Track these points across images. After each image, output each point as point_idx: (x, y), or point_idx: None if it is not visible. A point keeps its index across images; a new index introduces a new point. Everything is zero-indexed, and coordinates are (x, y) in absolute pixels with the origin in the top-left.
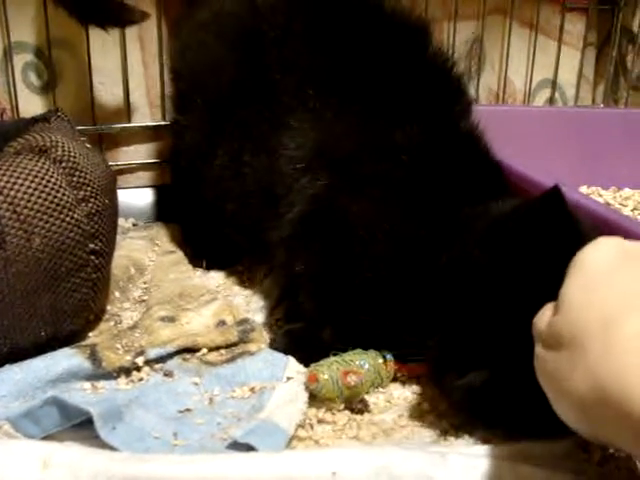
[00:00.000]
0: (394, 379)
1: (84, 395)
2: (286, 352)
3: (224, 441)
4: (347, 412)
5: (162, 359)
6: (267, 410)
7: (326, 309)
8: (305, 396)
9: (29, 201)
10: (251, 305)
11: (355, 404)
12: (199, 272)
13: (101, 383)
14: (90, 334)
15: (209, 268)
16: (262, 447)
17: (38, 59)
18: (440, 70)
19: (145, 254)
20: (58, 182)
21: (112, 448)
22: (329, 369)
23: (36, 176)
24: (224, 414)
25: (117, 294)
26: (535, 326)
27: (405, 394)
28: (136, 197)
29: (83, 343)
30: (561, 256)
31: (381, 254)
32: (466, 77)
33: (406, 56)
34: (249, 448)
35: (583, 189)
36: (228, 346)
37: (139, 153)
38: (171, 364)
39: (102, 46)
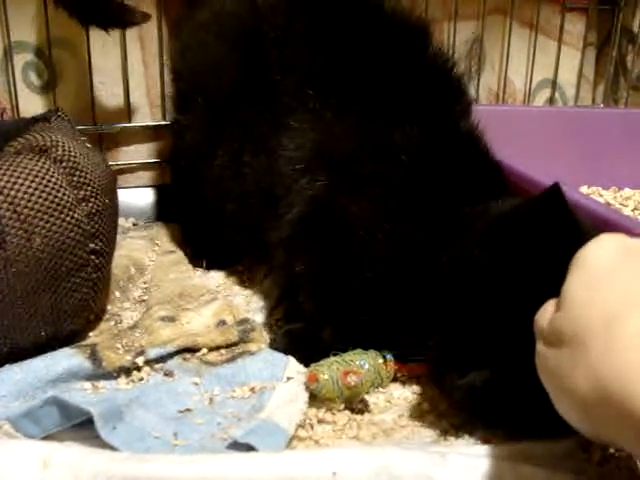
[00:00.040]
0: (394, 379)
1: (84, 395)
2: (286, 352)
3: (224, 441)
4: (347, 412)
5: (162, 359)
6: (267, 410)
7: (326, 309)
8: (305, 396)
9: (29, 201)
10: (251, 305)
11: (355, 404)
12: (199, 272)
13: (101, 383)
14: (90, 334)
15: (209, 268)
16: (262, 447)
17: (38, 59)
18: (440, 70)
19: (145, 254)
20: (58, 182)
21: (112, 448)
22: (329, 369)
23: (36, 176)
24: (224, 414)
25: (117, 294)
26: (536, 323)
27: (405, 394)
28: (136, 197)
29: (83, 343)
30: (561, 254)
31: (381, 254)
32: (466, 77)
33: (406, 56)
34: (249, 448)
35: (584, 189)
36: (228, 346)
37: (139, 153)
38: (171, 364)
39: (102, 46)
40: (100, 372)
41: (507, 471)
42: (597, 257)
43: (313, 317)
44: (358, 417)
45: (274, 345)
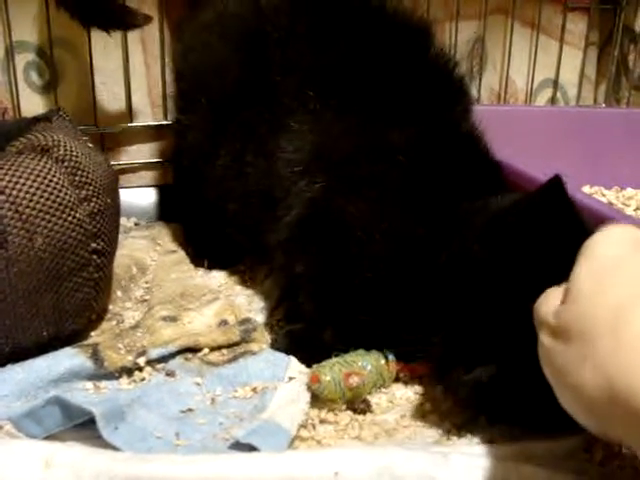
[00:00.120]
0: (396, 379)
1: (86, 395)
2: (287, 352)
3: (226, 441)
4: (349, 412)
5: (164, 359)
6: (269, 410)
7: (326, 310)
8: (307, 396)
9: (31, 200)
10: (253, 305)
11: (357, 404)
12: (201, 272)
13: (103, 383)
14: (92, 334)
15: (211, 268)
16: (264, 447)
17: (40, 58)
18: (442, 71)
19: (147, 254)
20: (60, 181)
21: (114, 448)
22: (331, 370)
23: (38, 175)
24: (226, 414)
25: (119, 293)
26: (537, 312)
27: (407, 394)
28: (138, 196)
29: (85, 343)
30: (563, 248)
31: (380, 254)
32: (468, 77)
33: (408, 57)
34: (251, 448)
35: (586, 189)
36: (230, 346)
37: (141, 153)
38: (173, 364)
39: (104, 47)
40: (102, 372)
41: (509, 471)
42: (605, 248)
43: (314, 318)
44: (360, 417)
45: (275, 345)
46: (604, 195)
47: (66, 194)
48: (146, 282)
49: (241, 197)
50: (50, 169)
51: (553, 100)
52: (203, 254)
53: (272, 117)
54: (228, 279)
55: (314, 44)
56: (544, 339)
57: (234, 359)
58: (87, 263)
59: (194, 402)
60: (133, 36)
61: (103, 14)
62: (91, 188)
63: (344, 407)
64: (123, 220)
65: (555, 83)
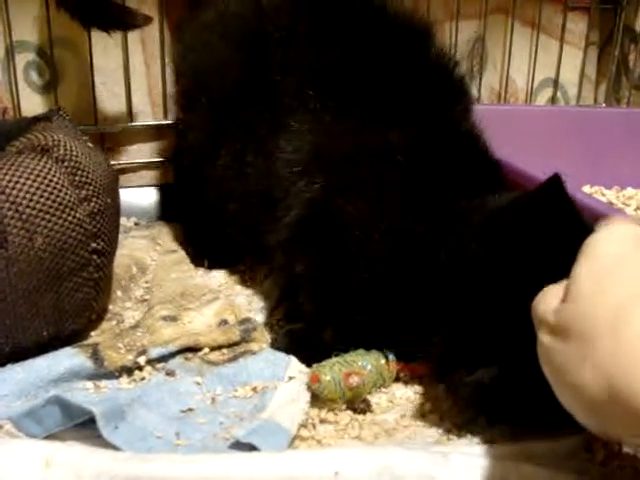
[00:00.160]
0: (396, 379)
1: (86, 394)
2: (287, 352)
3: (226, 441)
4: (349, 412)
5: (164, 358)
6: (269, 410)
7: (326, 310)
8: (307, 396)
9: (31, 200)
10: (253, 304)
11: (357, 404)
12: (201, 271)
13: (103, 382)
14: (92, 333)
15: (211, 267)
16: (264, 447)
17: (40, 58)
18: (442, 71)
19: (147, 253)
20: (60, 181)
21: (114, 448)
22: (331, 370)
23: (38, 175)
24: (226, 414)
25: (119, 293)
26: (536, 310)
27: (407, 394)
28: (138, 196)
29: (85, 342)
30: (563, 246)
31: (379, 254)
32: (468, 77)
33: (409, 58)
34: (251, 448)
35: (586, 188)
36: (230, 345)
37: (141, 152)
38: (173, 363)
39: (104, 46)
40: (102, 372)
41: (509, 471)
42: (606, 247)
43: (314, 318)
44: (360, 417)
45: (275, 345)
46: (604, 195)
47: (66, 194)
48: (146, 282)
49: (241, 197)
50: (50, 169)
51: (553, 100)
52: (203, 254)
53: (272, 117)
54: (228, 279)
55: (315, 44)
56: (543, 337)
57: (234, 359)
58: (87, 263)
59: (194, 402)
60: (133, 36)
61: (103, 15)
62: (91, 188)
63: (344, 407)
64: (123, 220)
65: (555, 83)
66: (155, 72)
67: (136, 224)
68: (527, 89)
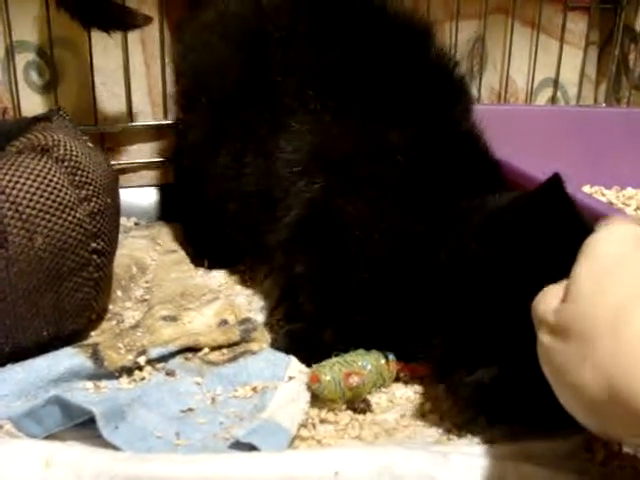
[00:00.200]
0: (396, 379)
1: (86, 394)
2: (287, 352)
3: (226, 441)
4: (349, 412)
5: (164, 358)
6: (269, 410)
7: (326, 310)
8: (307, 396)
9: (31, 200)
10: (253, 304)
11: (357, 404)
12: (201, 271)
13: (103, 382)
14: (92, 333)
15: (211, 267)
16: (264, 447)
17: (40, 58)
18: (442, 71)
19: (147, 253)
20: (60, 181)
21: (114, 447)
22: (331, 370)
23: (38, 175)
24: (226, 414)
25: (119, 293)
26: (536, 310)
27: (407, 394)
28: (138, 196)
29: (85, 342)
30: (562, 246)
31: (379, 254)
32: (468, 76)
33: (409, 58)
34: (251, 448)
35: (586, 188)
36: (230, 345)
37: (142, 152)
38: (173, 363)
39: (104, 47)
40: (102, 372)
41: (509, 471)
42: (606, 247)
43: (314, 318)
44: (360, 417)
45: (275, 345)
46: (604, 195)
47: (66, 194)
48: (146, 282)
49: (241, 197)
50: (50, 169)
51: (553, 99)
52: (203, 254)
53: (272, 117)
54: (228, 279)
55: (315, 44)
56: (543, 337)
57: (234, 359)
58: (87, 263)
59: (194, 402)
60: (133, 36)
61: (103, 15)
62: (91, 188)
63: (344, 407)
64: (123, 220)
65: (555, 82)
66: (155, 72)
67: (136, 224)
68: (527, 89)
